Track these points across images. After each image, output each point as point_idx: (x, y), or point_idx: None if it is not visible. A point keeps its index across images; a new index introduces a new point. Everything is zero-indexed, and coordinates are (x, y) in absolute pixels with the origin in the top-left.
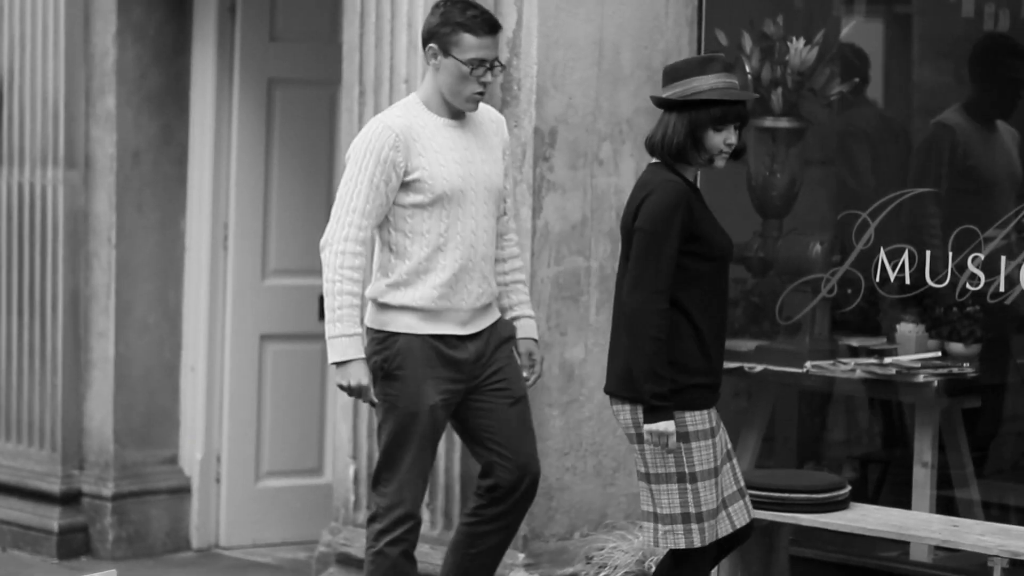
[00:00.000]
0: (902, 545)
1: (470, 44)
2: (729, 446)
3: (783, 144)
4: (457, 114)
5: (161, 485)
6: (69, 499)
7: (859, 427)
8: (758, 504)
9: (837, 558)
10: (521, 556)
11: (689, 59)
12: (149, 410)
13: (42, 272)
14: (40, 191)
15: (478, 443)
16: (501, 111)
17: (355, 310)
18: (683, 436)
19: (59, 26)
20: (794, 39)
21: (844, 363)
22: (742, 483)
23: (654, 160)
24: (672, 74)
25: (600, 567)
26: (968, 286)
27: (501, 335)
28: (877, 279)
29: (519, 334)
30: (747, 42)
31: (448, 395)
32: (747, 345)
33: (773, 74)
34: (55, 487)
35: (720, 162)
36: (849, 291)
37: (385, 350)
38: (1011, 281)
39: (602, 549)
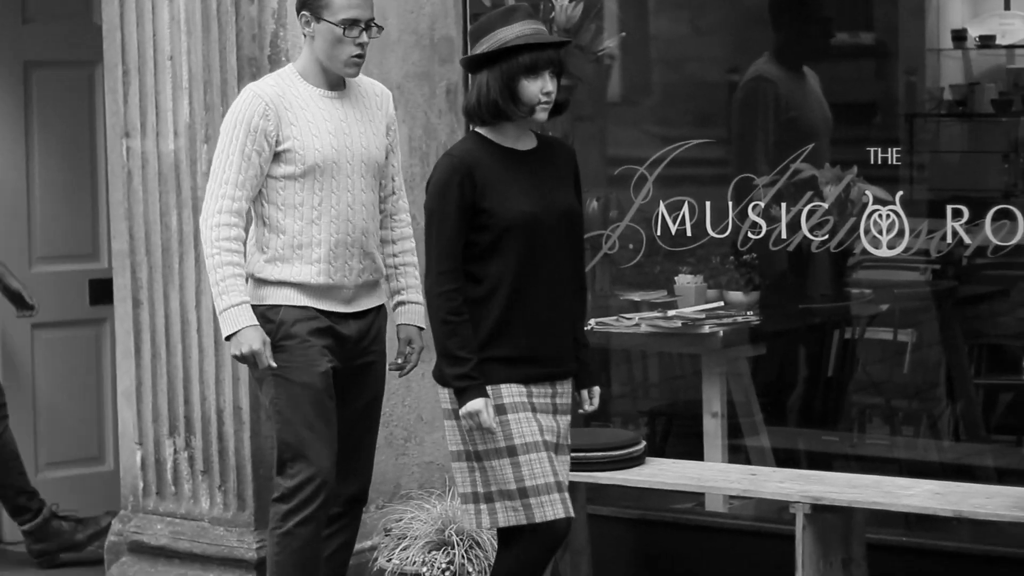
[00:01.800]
0: (697, 497)
1: (340, 4)
2: (562, 440)
3: None
4: (335, 84)
5: None
6: None
7: (647, 381)
8: None
9: (634, 514)
10: None
11: (491, 13)
12: None
13: None
14: None
15: None
16: None
17: (239, 280)
18: (498, 408)
19: None
20: None
21: (628, 318)
22: (560, 478)
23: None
24: (476, 33)
25: (399, 538)
26: (750, 235)
27: (379, 324)
28: (659, 233)
29: (401, 319)
30: (511, 1)
31: (333, 365)
32: None
33: None
34: None
35: (541, 114)
36: (631, 246)
37: (268, 323)
38: (792, 228)
39: (399, 520)
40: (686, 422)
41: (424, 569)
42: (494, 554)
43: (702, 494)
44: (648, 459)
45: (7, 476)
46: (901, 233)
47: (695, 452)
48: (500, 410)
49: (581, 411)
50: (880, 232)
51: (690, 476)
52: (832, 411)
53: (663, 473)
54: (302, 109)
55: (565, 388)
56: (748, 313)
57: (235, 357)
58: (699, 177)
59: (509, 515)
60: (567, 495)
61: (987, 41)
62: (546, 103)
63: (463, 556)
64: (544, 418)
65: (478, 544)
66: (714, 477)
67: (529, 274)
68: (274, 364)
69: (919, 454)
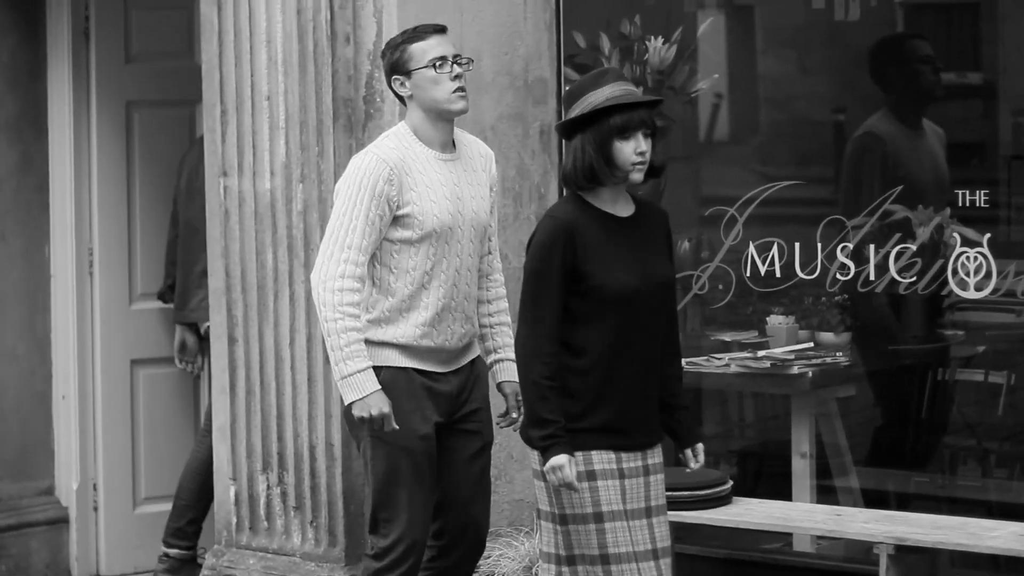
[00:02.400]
0: (785, 536)
1: (421, 50)
2: (654, 502)
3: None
4: (447, 145)
5: (39, 517)
6: None
7: (736, 421)
8: None
9: (722, 553)
10: None
11: (583, 78)
12: (23, 441)
13: None
14: None
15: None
16: (365, 124)
17: (361, 345)
18: (588, 474)
19: None
20: (652, 38)
21: (718, 358)
22: (658, 544)
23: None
24: (569, 98)
25: (488, 575)
26: (838, 276)
27: (479, 373)
28: (747, 273)
29: (502, 376)
30: (605, 43)
31: (435, 426)
32: None
33: (633, 74)
34: None
35: (636, 175)
36: (720, 287)
37: None
38: (881, 269)
39: (488, 557)
40: (776, 462)
41: None
42: None
43: (790, 534)
44: (735, 498)
45: (204, 494)
46: (989, 275)
47: (784, 492)
48: (590, 476)
49: (687, 470)
50: (968, 274)
51: (776, 516)
52: (923, 452)
53: (749, 513)
54: (421, 173)
55: (655, 453)
56: (838, 354)
57: (360, 420)
58: (789, 218)
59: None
60: (663, 562)
61: None
62: (640, 164)
63: None
64: (633, 483)
65: None
66: (800, 517)
67: (624, 344)
68: (397, 427)
69: (1011, 496)
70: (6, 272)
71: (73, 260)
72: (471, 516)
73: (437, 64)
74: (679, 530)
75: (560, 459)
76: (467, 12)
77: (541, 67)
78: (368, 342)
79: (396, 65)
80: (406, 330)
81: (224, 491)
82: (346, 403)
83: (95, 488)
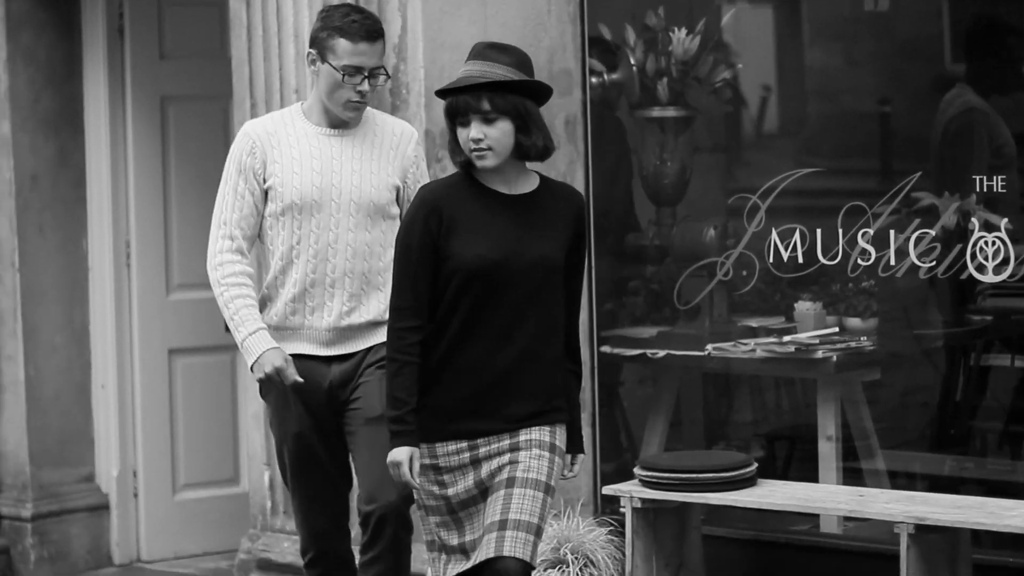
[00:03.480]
0: (812, 519)
1: (344, 50)
2: (505, 475)
3: (671, 133)
4: (339, 123)
5: (80, 503)
6: None
7: (763, 406)
8: (668, 486)
9: (749, 534)
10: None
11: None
12: (63, 430)
13: None
14: None
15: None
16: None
17: (251, 309)
18: (435, 468)
19: None
20: (676, 29)
21: (744, 344)
22: (497, 517)
23: None
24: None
25: None
26: (859, 261)
27: (377, 358)
28: (771, 259)
29: None
30: (630, 35)
31: (314, 421)
32: (648, 332)
33: (658, 65)
34: None
35: (479, 162)
36: (744, 273)
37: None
38: (901, 254)
39: None
40: (802, 446)
41: None
42: (608, 574)
43: (818, 516)
44: (760, 480)
45: None
46: (1007, 260)
47: (811, 475)
48: (436, 470)
49: (561, 478)
50: (986, 259)
51: (799, 497)
52: (948, 435)
53: (773, 494)
54: (290, 147)
55: (518, 434)
56: (863, 339)
57: (260, 382)
58: (811, 205)
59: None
60: (507, 533)
61: None
62: (477, 152)
63: (578, 574)
64: (485, 466)
65: (593, 563)
66: (822, 498)
67: (480, 323)
68: (300, 379)
69: None
70: (45, 265)
71: (111, 252)
72: (380, 495)
73: (348, 73)
74: (707, 512)
75: (399, 454)
76: (491, 5)
77: (565, 59)
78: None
79: (318, 43)
80: (277, 308)
81: (259, 476)
82: (249, 368)
83: (135, 475)
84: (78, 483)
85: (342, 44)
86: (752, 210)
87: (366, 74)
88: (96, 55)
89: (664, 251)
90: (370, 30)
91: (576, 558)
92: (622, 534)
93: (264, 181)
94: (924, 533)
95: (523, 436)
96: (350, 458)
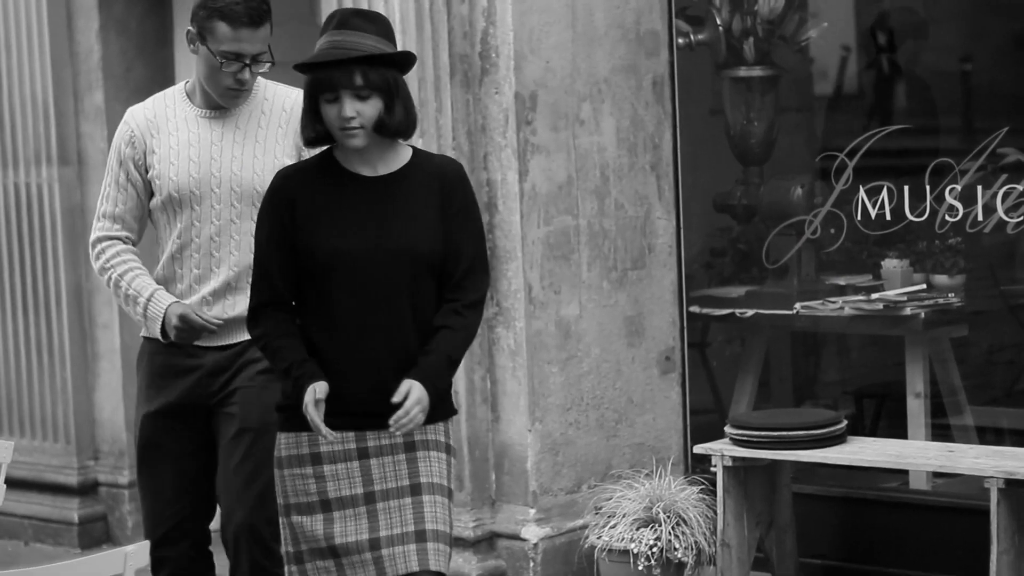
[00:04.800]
0: (902, 476)
1: (224, 35)
2: (379, 487)
3: (758, 93)
4: (220, 105)
5: None
6: (86, 490)
7: (851, 364)
8: (759, 444)
9: (839, 492)
10: (532, 511)
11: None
12: None
13: (44, 269)
14: (36, 190)
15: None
16: (481, 79)
17: (144, 277)
18: (313, 457)
19: (43, 26)
20: None
21: (832, 302)
22: (412, 528)
23: None
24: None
25: (609, 516)
26: (947, 218)
27: (254, 357)
28: (859, 217)
29: None
30: None
31: (171, 407)
32: (737, 291)
33: (744, 24)
34: (72, 479)
35: (351, 141)
36: (832, 231)
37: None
38: (988, 210)
39: (609, 499)
40: (892, 403)
41: (632, 545)
42: (700, 532)
43: (907, 473)
44: (850, 438)
45: None
46: None
47: (899, 432)
48: (316, 460)
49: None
50: None
51: (889, 453)
52: None
53: (863, 451)
54: (170, 135)
55: (412, 434)
56: (950, 295)
57: (177, 339)
58: (897, 164)
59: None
60: (429, 545)
61: None
62: (350, 129)
63: (670, 533)
64: (340, 468)
65: (684, 521)
66: (912, 454)
67: (348, 316)
68: (217, 321)
69: None
70: None
71: None
72: (234, 513)
73: (227, 59)
74: (797, 470)
75: (306, 395)
76: None
77: (652, 19)
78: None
79: (198, 21)
80: None
81: None
82: (160, 331)
83: None
84: None
85: (221, 28)
86: (839, 168)
87: (247, 62)
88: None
89: (752, 210)
90: (255, 15)
91: (668, 516)
92: (713, 492)
93: (146, 171)
94: (1014, 488)
95: (418, 436)
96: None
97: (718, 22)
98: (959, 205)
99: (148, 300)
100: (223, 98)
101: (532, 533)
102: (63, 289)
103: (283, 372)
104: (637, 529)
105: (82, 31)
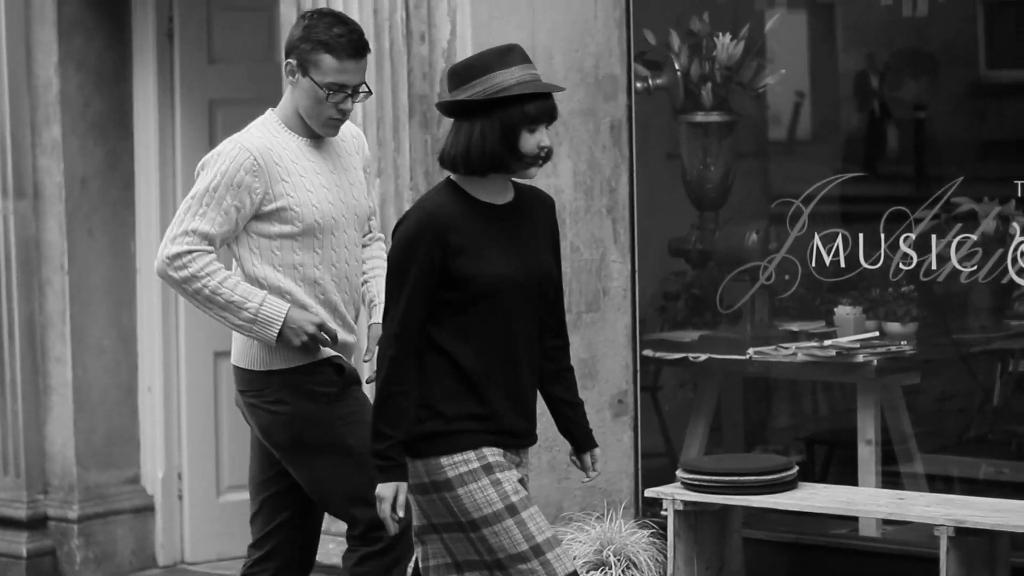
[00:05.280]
0: (852, 522)
1: (330, 67)
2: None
3: (715, 138)
4: (315, 133)
5: (125, 505)
6: (36, 523)
7: (803, 410)
8: (710, 489)
9: (789, 537)
10: None
11: (482, 53)
12: (109, 431)
13: None
14: None
15: None
16: (440, 120)
17: (244, 284)
18: (444, 484)
19: (1, 59)
20: (720, 35)
21: (785, 348)
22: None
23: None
24: (465, 74)
25: None
26: (901, 266)
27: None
28: (813, 264)
29: (373, 319)
30: (675, 40)
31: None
32: (690, 335)
33: (702, 70)
34: (21, 512)
35: (535, 170)
36: (787, 277)
37: (321, 375)
38: (942, 259)
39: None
40: (843, 450)
41: None
42: (651, 574)
43: (857, 519)
44: (801, 484)
45: None
46: None
47: (850, 479)
48: (488, 470)
49: (585, 480)
50: None
51: (840, 500)
52: (987, 440)
53: (814, 497)
54: (293, 163)
55: (526, 463)
56: (903, 343)
57: (302, 347)
58: (853, 210)
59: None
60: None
61: None
62: (543, 158)
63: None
64: (509, 475)
65: (635, 565)
66: (863, 501)
67: (499, 339)
68: (336, 328)
69: None
70: (93, 268)
71: None
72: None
73: (332, 90)
74: (747, 515)
75: (386, 490)
76: (539, 10)
77: (611, 63)
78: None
79: (299, 53)
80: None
81: None
82: (271, 342)
83: (180, 477)
84: (124, 484)
85: (327, 60)
86: (795, 215)
87: (349, 92)
88: (146, 59)
89: (707, 255)
90: (359, 46)
91: (618, 560)
92: (664, 536)
93: (269, 201)
94: (964, 536)
95: (523, 457)
96: None
97: (676, 67)
98: (913, 253)
99: (261, 304)
100: (324, 128)
101: None
102: (16, 322)
103: (382, 434)
104: (588, 572)
105: (41, 64)
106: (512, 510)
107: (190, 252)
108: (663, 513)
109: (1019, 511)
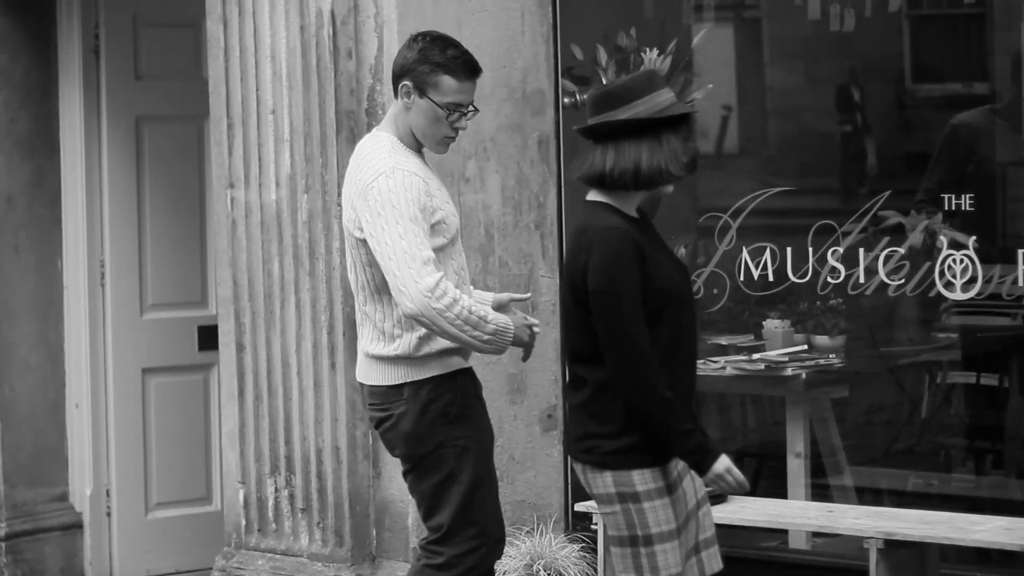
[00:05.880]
0: (781, 535)
1: (449, 88)
2: (700, 494)
3: None
4: (420, 148)
5: (53, 522)
6: None
7: (732, 423)
8: None
9: (732, 552)
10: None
11: (633, 77)
12: (37, 449)
13: None
14: None
15: None
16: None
17: (479, 307)
18: (632, 496)
19: None
20: (648, 50)
21: (714, 361)
22: (708, 533)
23: (591, 196)
24: (617, 98)
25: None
26: (829, 279)
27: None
28: (741, 277)
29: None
30: (602, 55)
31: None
32: None
33: None
34: None
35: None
36: (715, 291)
37: (445, 393)
38: (870, 272)
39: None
40: (772, 463)
41: None
42: None
43: (786, 532)
44: (730, 497)
45: None
46: (975, 277)
47: (779, 492)
48: (634, 498)
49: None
50: (954, 276)
51: (769, 513)
52: (916, 452)
53: (743, 510)
54: (427, 181)
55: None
56: (831, 356)
57: (526, 349)
58: (781, 224)
59: None
60: (706, 552)
61: None
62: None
63: None
64: (687, 483)
65: None
66: (792, 514)
67: (681, 346)
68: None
69: (1002, 493)
70: (20, 284)
71: (85, 272)
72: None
73: (451, 110)
74: None
75: (723, 462)
76: (466, 26)
77: (539, 79)
78: (430, 356)
79: (416, 76)
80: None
81: (233, 494)
82: (503, 350)
83: (108, 494)
84: (52, 502)
85: (447, 81)
86: (723, 229)
87: (465, 110)
88: (72, 76)
89: None
90: (473, 66)
91: (549, 574)
92: (594, 550)
93: (432, 215)
94: (893, 548)
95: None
96: None
97: (604, 82)
98: (841, 267)
99: (495, 324)
100: (439, 146)
101: None
102: None
103: (685, 432)
104: None
105: None
106: (676, 534)
107: (438, 279)
108: (593, 527)
109: (948, 523)
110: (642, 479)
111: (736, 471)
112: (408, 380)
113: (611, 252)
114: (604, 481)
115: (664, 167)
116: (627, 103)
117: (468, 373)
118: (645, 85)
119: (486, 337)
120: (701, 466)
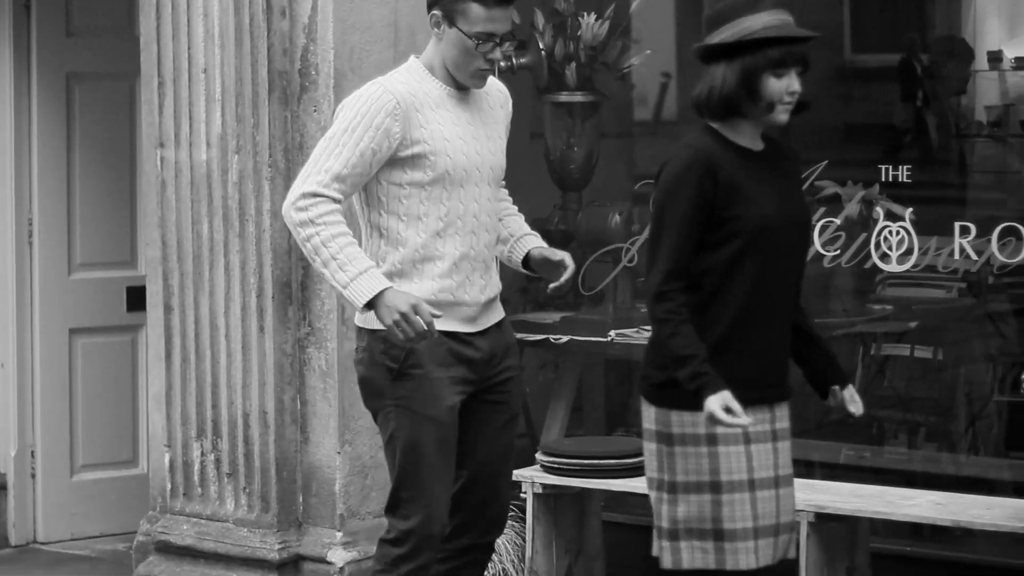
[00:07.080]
0: None
1: (478, 16)
2: (781, 471)
3: (579, 118)
4: (461, 84)
5: None
6: None
7: None
8: (569, 472)
9: (649, 521)
10: (339, 535)
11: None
12: None
13: None
14: None
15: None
16: (300, 97)
17: (353, 247)
18: (667, 438)
19: None
20: (585, 15)
21: (647, 330)
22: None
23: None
24: (716, 19)
25: None
26: None
27: (509, 341)
28: None
29: (532, 245)
30: (539, 19)
31: (463, 396)
32: (552, 317)
33: (566, 49)
34: None
35: (783, 116)
36: None
37: (392, 347)
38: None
39: None
40: None
41: None
42: (508, 559)
43: None
44: None
45: None
46: (911, 250)
47: None
48: (711, 440)
49: (852, 417)
50: (890, 248)
51: None
52: (848, 424)
53: None
54: (433, 110)
55: (783, 412)
56: None
57: (390, 327)
58: None
59: (696, 556)
60: (781, 538)
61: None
62: (789, 103)
63: None
64: (760, 448)
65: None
66: None
67: (761, 285)
68: (438, 313)
69: (935, 468)
70: None
71: (12, 231)
72: (495, 491)
73: (481, 40)
74: (607, 498)
75: (715, 400)
76: None
77: None
78: None
79: (444, 4)
80: (422, 284)
81: (159, 458)
82: (360, 312)
83: (33, 455)
84: None
85: (475, 9)
86: None
87: (498, 40)
88: (1, 32)
89: (569, 236)
90: None
91: None
92: (523, 520)
93: (403, 146)
94: (824, 521)
95: (779, 424)
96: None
97: (541, 46)
98: None
99: (361, 273)
100: (473, 79)
101: (338, 557)
102: None
103: (682, 358)
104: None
105: None
106: (715, 487)
107: (316, 195)
108: (522, 496)
109: (879, 496)
110: (679, 421)
111: (738, 409)
112: (365, 326)
113: (673, 168)
114: (648, 415)
115: (728, 98)
116: (720, 26)
117: (445, 344)
118: (742, 7)
119: (333, 282)
120: (697, 399)
